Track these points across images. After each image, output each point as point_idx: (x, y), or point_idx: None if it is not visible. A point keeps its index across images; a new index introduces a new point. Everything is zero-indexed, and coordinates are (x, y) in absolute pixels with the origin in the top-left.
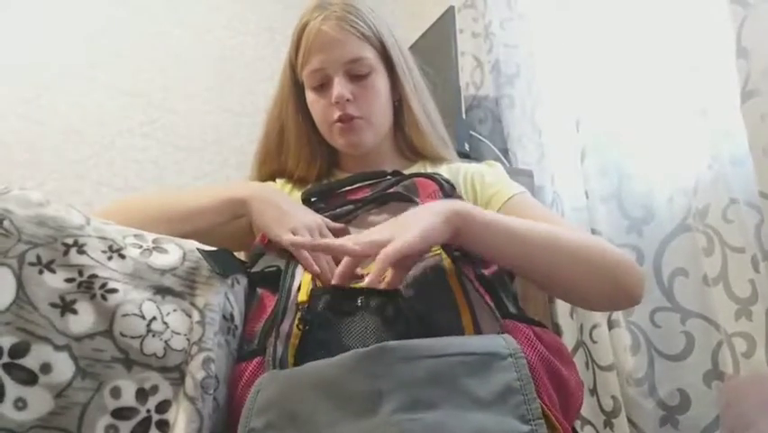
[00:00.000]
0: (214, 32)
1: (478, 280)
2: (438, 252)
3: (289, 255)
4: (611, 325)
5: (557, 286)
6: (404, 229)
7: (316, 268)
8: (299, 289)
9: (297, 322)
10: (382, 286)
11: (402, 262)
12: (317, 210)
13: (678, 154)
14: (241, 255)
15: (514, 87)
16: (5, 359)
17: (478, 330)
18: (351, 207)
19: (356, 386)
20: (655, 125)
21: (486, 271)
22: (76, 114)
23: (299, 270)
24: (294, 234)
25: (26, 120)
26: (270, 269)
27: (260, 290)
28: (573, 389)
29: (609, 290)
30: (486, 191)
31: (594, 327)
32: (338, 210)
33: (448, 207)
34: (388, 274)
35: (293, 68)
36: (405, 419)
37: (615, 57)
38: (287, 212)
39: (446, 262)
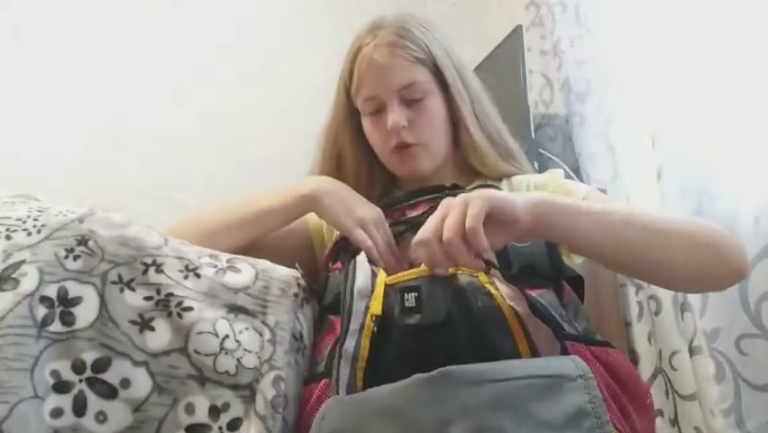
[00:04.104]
0: (284, 56)
1: (528, 303)
2: (485, 279)
3: (347, 270)
4: (693, 351)
5: (650, 268)
6: (479, 193)
7: (381, 263)
8: (367, 309)
9: (368, 337)
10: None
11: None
12: None
13: (764, 171)
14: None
15: (584, 105)
16: (88, 373)
17: (535, 353)
18: (401, 228)
19: (421, 413)
20: (739, 141)
21: (534, 293)
22: (156, 138)
23: (357, 287)
24: (363, 227)
25: (110, 145)
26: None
27: (332, 317)
28: (636, 413)
29: (706, 264)
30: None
31: (674, 353)
32: (400, 227)
33: (527, 197)
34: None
35: (347, 93)
36: None
37: (693, 68)
38: (352, 205)
39: (492, 287)
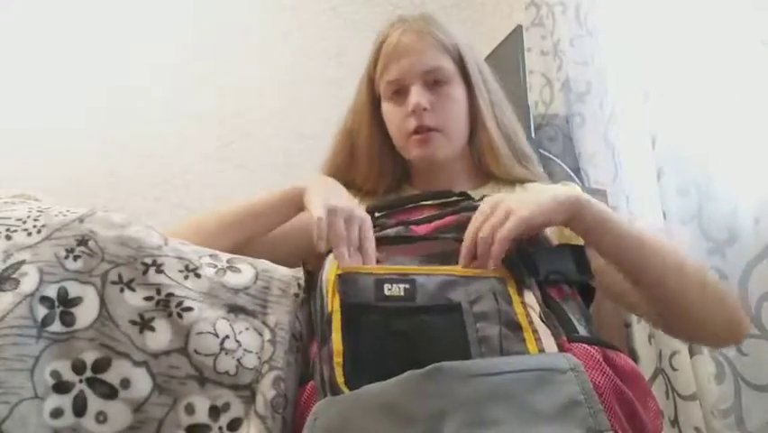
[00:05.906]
0: (285, 58)
1: (544, 302)
2: (501, 274)
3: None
4: (693, 352)
5: (666, 297)
6: (521, 205)
7: (322, 246)
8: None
9: (337, 331)
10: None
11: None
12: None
13: (764, 172)
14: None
15: (585, 105)
16: (89, 373)
17: (542, 351)
18: (401, 228)
19: (417, 407)
20: (739, 142)
21: (554, 293)
22: (155, 139)
23: (323, 285)
24: (330, 215)
25: (109, 146)
26: None
27: None
28: (646, 418)
29: (715, 311)
30: None
31: (674, 353)
32: (390, 231)
33: (567, 192)
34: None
35: (371, 81)
36: None
37: (692, 68)
38: (332, 196)
39: (510, 285)
